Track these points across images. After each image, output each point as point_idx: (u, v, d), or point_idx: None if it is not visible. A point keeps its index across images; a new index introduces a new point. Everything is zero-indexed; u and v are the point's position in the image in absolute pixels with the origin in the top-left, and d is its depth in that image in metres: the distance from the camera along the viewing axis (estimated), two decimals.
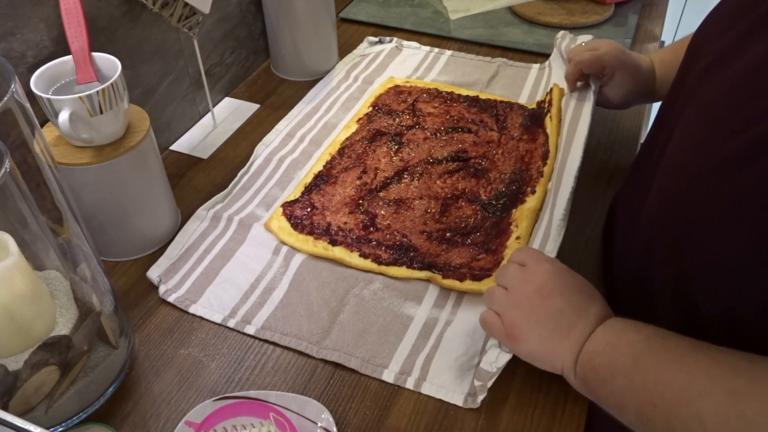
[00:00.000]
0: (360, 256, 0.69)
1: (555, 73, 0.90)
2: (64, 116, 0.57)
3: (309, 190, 0.77)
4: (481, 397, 0.56)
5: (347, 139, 0.85)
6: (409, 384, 0.58)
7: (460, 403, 0.56)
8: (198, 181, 0.81)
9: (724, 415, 0.40)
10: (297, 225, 0.72)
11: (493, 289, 0.57)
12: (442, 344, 0.61)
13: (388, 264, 0.68)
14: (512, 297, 0.54)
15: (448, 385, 0.58)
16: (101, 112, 0.59)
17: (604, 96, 0.79)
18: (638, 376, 0.45)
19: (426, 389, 0.57)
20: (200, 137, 0.88)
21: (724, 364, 0.42)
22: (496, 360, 0.54)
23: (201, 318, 0.64)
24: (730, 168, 0.41)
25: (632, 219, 0.58)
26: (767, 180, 0.39)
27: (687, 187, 0.45)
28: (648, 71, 0.78)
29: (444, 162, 0.80)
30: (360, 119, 0.88)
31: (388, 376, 0.59)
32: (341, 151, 0.83)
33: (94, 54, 0.63)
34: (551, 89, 0.84)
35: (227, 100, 0.95)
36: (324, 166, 0.80)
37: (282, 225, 0.72)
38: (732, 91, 0.43)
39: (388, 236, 0.71)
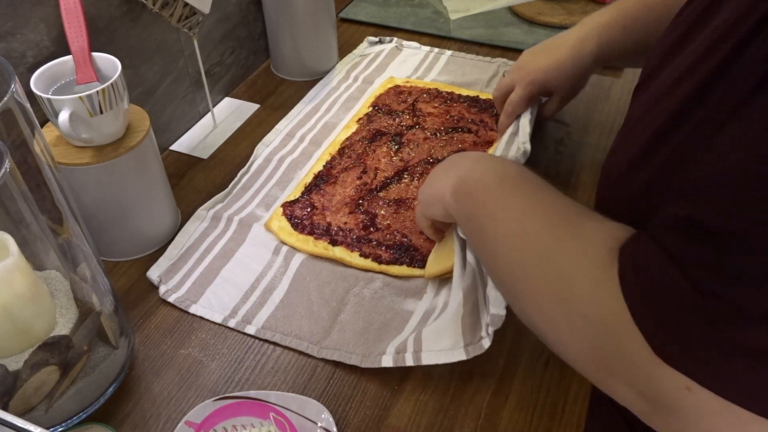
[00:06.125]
0: (360, 255, 0.69)
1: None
2: (64, 116, 0.57)
3: (309, 190, 0.77)
4: (487, 343, 0.54)
5: (347, 139, 0.85)
6: (409, 360, 0.57)
7: (464, 357, 0.55)
8: (198, 181, 0.81)
9: (542, 231, 0.45)
10: (297, 225, 0.72)
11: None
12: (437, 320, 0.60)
13: (388, 263, 0.68)
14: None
15: (446, 347, 0.56)
16: (101, 112, 0.59)
17: (552, 109, 0.79)
18: (494, 194, 0.51)
19: (426, 359, 0.56)
20: (200, 137, 0.88)
21: (568, 201, 0.48)
22: (495, 300, 0.54)
23: (201, 318, 0.64)
24: (631, 170, 0.45)
25: None
26: (654, 180, 0.42)
27: (608, 191, 0.49)
28: (578, 58, 0.74)
29: None
30: (360, 119, 0.88)
31: (387, 361, 0.58)
32: (341, 151, 0.83)
33: (94, 54, 0.63)
34: None
35: (227, 100, 0.95)
36: (324, 166, 0.80)
37: (282, 225, 0.72)
38: (644, 107, 0.46)
39: (388, 236, 0.71)
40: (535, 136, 0.86)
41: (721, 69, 0.37)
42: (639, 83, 0.51)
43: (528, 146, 0.70)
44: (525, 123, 0.74)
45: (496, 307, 0.54)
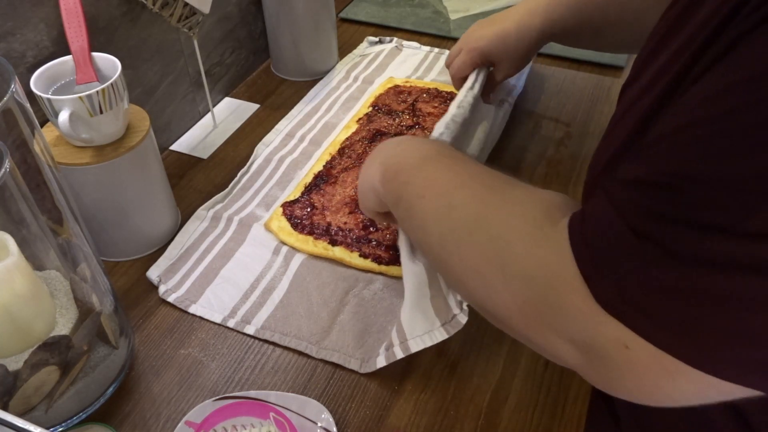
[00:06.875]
0: (360, 256, 0.69)
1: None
2: (64, 116, 0.57)
3: (309, 190, 0.77)
4: (464, 318, 0.54)
5: (347, 139, 0.85)
6: (399, 353, 0.57)
7: (446, 336, 0.55)
8: (198, 181, 0.81)
9: (471, 201, 0.46)
10: (297, 225, 0.72)
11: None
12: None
13: (388, 264, 0.68)
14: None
15: (427, 329, 0.56)
16: (101, 112, 0.59)
17: (496, 81, 0.79)
18: (418, 173, 0.52)
19: (414, 346, 0.56)
20: (200, 137, 0.88)
21: (493, 172, 0.49)
22: None
23: (201, 318, 0.64)
24: (612, 165, 0.45)
25: None
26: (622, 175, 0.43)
27: (591, 189, 0.49)
28: (523, 30, 0.74)
29: None
30: (360, 119, 0.88)
31: (381, 361, 0.58)
32: (341, 151, 0.83)
33: (94, 54, 0.63)
34: None
35: (227, 100, 0.95)
36: (324, 166, 0.80)
37: (282, 225, 0.72)
38: (626, 106, 0.47)
39: (388, 236, 0.71)
40: (535, 135, 0.87)
41: (693, 61, 0.38)
42: (625, 84, 0.52)
43: (457, 111, 0.68)
44: (463, 90, 0.73)
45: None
